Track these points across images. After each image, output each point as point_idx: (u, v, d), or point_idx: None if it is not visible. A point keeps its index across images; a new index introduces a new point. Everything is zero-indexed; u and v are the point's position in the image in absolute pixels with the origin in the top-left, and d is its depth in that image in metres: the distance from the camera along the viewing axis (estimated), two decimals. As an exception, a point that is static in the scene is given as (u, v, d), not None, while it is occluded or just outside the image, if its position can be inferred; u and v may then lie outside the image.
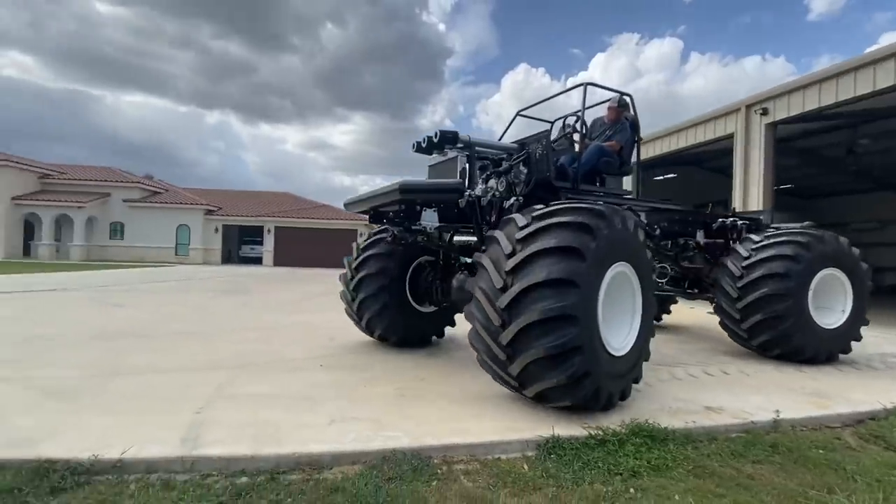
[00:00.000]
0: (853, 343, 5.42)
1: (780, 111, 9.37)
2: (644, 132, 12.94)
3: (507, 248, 3.15)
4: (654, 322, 7.58)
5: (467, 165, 4.30)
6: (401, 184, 3.95)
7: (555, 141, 5.05)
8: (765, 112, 9.58)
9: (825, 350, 5.14)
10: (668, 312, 8.03)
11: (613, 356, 3.27)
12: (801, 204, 21.16)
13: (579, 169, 4.58)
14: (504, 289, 3.06)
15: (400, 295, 5.25)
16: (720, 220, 6.14)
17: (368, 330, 5.45)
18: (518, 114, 5.28)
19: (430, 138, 4.16)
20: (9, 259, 25.78)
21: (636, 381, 3.59)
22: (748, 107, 10.00)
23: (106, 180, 29.68)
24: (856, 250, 5.47)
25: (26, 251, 28.17)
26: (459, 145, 4.29)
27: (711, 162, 16.56)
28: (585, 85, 4.63)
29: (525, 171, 4.18)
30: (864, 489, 2.47)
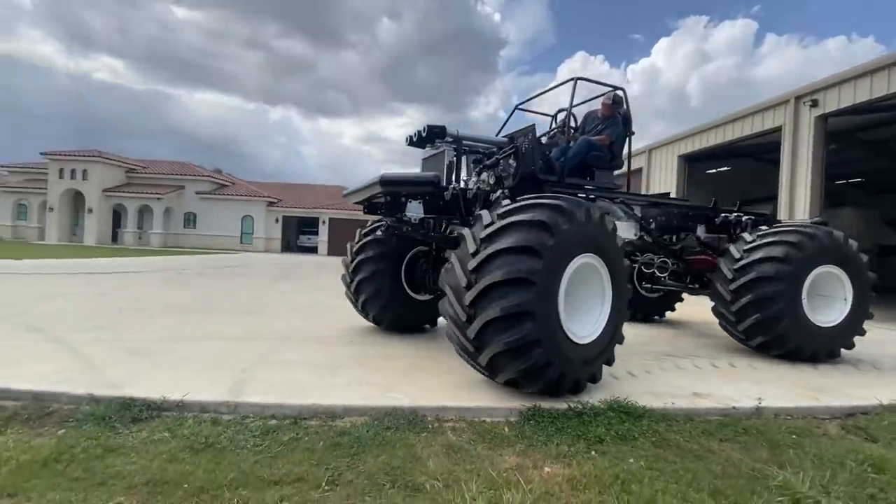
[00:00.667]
0: (861, 339, 5.32)
1: (831, 103, 8.86)
2: (701, 122, 12.51)
3: (472, 248, 3.32)
4: (658, 318, 7.55)
5: (455, 159, 4.55)
6: (381, 176, 4.24)
7: (547, 134, 5.21)
8: (814, 104, 9.08)
9: (825, 348, 5.07)
10: (673, 309, 7.91)
11: (579, 344, 3.45)
12: (869, 199, 19.47)
13: (566, 163, 4.69)
14: (469, 286, 3.22)
15: (395, 281, 5.49)
16: (723, 215, 6.09)
17: (364, 311, 5.69)
18: (517, 108, 5.39)
19: (419, 132, 4.47)
20: (100, 245, 29.05)
21: (608, 363, 3.79)
22: (797, 98, 9.50)
23: (180, 174, 32.51)
24: (853, 244, 5.32)
25: (114, 238, 31.57)
26: (448, 139, 4.52)
27: (772, 153, 15.73)
28: (575, 80, 4.73)
29: (514, 164, 4.36)
30: (816, 467, 2.66)
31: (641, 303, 7.42)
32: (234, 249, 30.34)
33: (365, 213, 5.35)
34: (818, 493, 2.33)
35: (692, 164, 15.25)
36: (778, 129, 10.19)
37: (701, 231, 6.08)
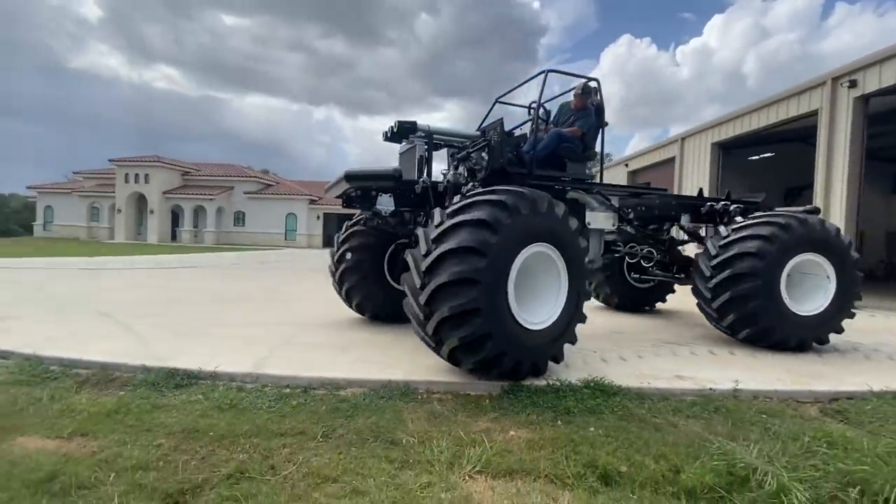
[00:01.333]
0: (868, 326, 5.43)
1: (871, 82, 8.43)
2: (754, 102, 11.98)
3: (423, 248, 3.51)
4: (648, 308, 7.61)
5: (426, 153, 4.77)
6: (346, 171, 4.50)
7: (518, 127, 5.20)
8: (853, 84, 8.66)
9: (797, 336, 5.02)
10: (664, 300, 7.83)
11: (534, 330, 3.65)
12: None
13: (535, 155, 4.74)
14: (422, 287, 3.41)
15: (378, 271, 5.68)
16: (708, 204, 6.01)
17: (347, 299, 5.86)
18: (497, 101, 5.29)
19: (392, 128, 4.73)
20: (161, 243, 31.51)
21: (571, 342, 3.98)
22: (834, 79, 9.07)
23: (230, 175, 34.59)
24: (846, 237, 5.24)
25: (173, 236, 34.10)
26: (420, 134, 4.74)
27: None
28: (546, 72, 4.79)
29: (486, 157, 4.51)
30: (769, 441, 2.86)
31: (631, 293, 7.49)
32: (278, 245, 32.05)
33: (343, 206, 5.54)
34: (759, 461, 2.56)
35: (730, 151, 14.74)
36: (814, 113, 9.78)
37: (685, 220, 6.01)
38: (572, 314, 3.92)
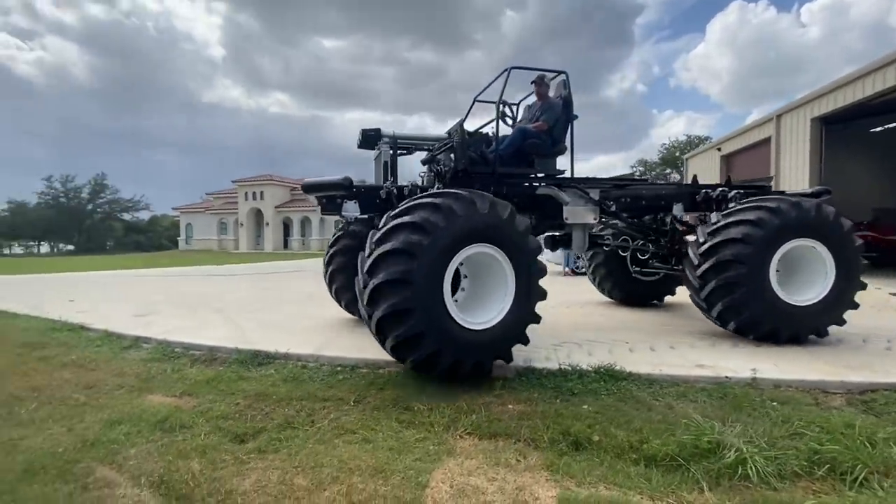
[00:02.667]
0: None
1: None
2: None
3: (367, 250, 3.69)
4: (657, 303, 7.33)
5: (390, 158, 4.95)
6: (302, 184, 4.89)
7: (482, 126, 5.11)
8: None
9: (789, 328, 4.70)
10: (672, 294, 7.32)
11: (476, 330, 3.69)
12: None
13: (498, 153, 4.71)
14: (364, 286, 3.58)
15: None
16: (704, 191, 5.64)
17: (336, 298, 6.06)
18: (475, 100, 5.03)
19: (359, 137, 4.97)
20: (275, 251, 35.78)
21: (522, 342, 3.96)
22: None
23: (329, 188, 38.05)
24: (830, 212, 4.81)
25: (285, 244, 38.47)
26: (385, 140, 4.95)
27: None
28: (509, 69, 4.68)
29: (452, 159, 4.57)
30: (758, 423, 2.95)
31: (635, 286, 7.23)
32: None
33: (322, 212, 5.57)
34: (731, 438, 2.71)
35: (843, 125, 13.03)
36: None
37: (678, 210, 5.64)
38: (520, 315, 3.90)
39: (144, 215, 68.33)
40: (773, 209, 4.67)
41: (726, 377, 3.76)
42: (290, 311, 7.45)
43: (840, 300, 4.83)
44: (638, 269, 7.01)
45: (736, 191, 5.49)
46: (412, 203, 3.75)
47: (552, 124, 5.03)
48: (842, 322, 4.87)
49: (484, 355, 3.77)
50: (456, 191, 3.86)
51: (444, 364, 3.59)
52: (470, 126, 4.97)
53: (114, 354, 5.04)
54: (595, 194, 5.23)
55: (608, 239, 6.12)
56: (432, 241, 3.51)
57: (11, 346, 5.46)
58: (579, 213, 5.12)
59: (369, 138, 5.05)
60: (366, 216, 5.08)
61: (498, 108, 4.80)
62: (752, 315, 4.65)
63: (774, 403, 3.33)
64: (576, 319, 6.30)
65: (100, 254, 48.34)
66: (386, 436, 2.95)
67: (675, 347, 4.71)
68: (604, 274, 7.29)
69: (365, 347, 4.82)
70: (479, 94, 4.93)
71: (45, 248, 65.17)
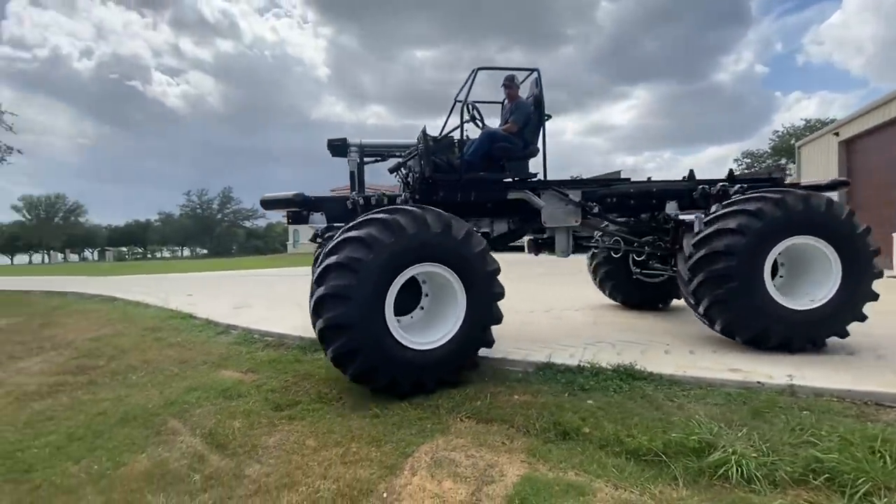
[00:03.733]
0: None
1: None
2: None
3: (319, 261, 3.73)
4: (661, 306, 6.81)
5: (357, 168, 4.96)
6: (261, 199, 4.91)
7: (450, 132, 4.89)
8: None
9: (802, 334, 4.29)
10: (679, 297, 6.28)
11: (419, 350, 3.62)
12: None
13: (464, 159, 4.60)
14: (312, 295, 3.61)
15: None
16: (701, 187, 5.14)
17: None
18: (456, 102, 4.75)
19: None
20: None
21: (470, 367, 3.93)
22: None
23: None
24: (841, 210, 4.37)
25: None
26: (353, 150, 4.87)
27: None
28: (475, 70, 4.56)
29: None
30: (766, 429, 2.80)
31: (637, 289, 6.76)
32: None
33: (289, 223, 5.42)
34: (725, 440, 2.64)
35: None
36: None
37: (672, 208, 5.16)
38: (470, 337, 3.81)
39: (262, 223, 77.34)
40: (776, 201, 4.28)
41: (758, 382, 3.53)
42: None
43: (844, 309, 4.32)
44: (638, 269, 6.63)
45: (739, 185, 4.99)
46: (364, 218, 3.71)
47: (522, 125, 4.84)
48: (843, 334, 4.37)
49: (426, 376, 3.64)
50: (412, 208, 3.81)
51: (380, 381, 3.54)
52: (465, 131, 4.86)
53: (208, 338, 6.07)
54: (576, 196, 5.04)
55: (602, 240, 5.85)
56: (375, 258, 3.47)
57: (138, 330, 6.82)
58: (559, 216, 4.97)
59: (336, 148, 4.97)
60: (340, 225, 4.73)
61: (462, 111, 4.65)
62: (739, 314, 4.30)
63: (805, 412, 3.08)
64: (619, 321, 6.12)
65: (226, 257, 55.87)
66: (394, 413, 3.32)
67: (716, 351, 4.45)
68: (604, 274, 7.00)
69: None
70: (458, 94, 4.76)
71: (186, 252, 76.93)
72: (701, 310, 4.53)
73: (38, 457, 2.92)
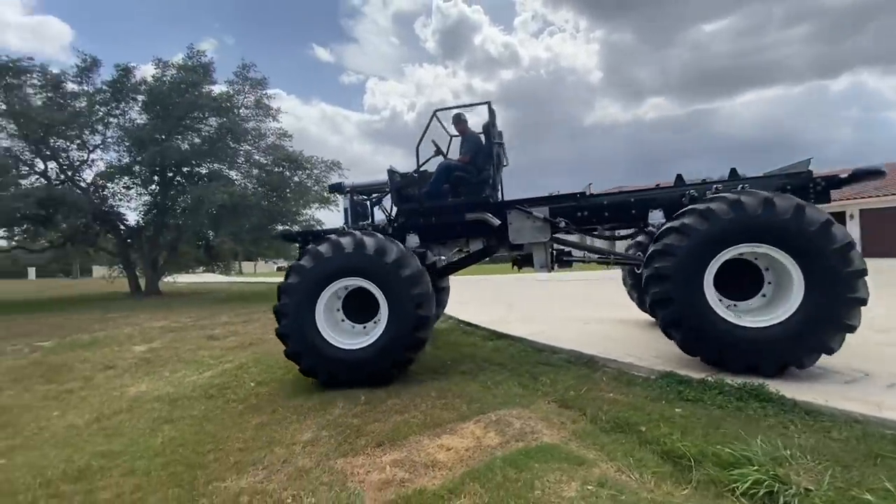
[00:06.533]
0: None
1: None
2: None
3: None
4: None
5: (348, 205, 5.85)
6: (279, 232, 6.00)
7: (415, 169, 5.49)
8: None
9: (746, 355, 3.86)
10: None
11: (345, 349, 4.38)
12: None
13: (428, 191, 5.39)
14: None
15: None
16: (690, 192, 4.74)
17: None
18: (435, 114, 5.51)
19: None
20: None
21: (399, 359, 4.38)
22: None
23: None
24: (813, 217, 3.72)
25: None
26: (346, 190, 5.83)
27: None
28: (435, 112, 5.37)
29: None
30: (831, 463, 2.37)
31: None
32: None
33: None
34: (769, 464, 2.45)
35: None
36: None
37: (657, 217, 4.84)
38: (393, 339, 4.35)
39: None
40: (732, 202, 3.95)
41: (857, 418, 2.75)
42: (558, 308, 8.93)
43: (817, 323, 3.72)
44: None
45: (741, 185, 4.50)
46: (304, 250, 4.71)
47: (473, 155, 5.46)
48: (800, 363, 3.78)
49: (358, 371, 4.38)
50: (332, 237, 4.63)
51: (321, 376, 4.44)
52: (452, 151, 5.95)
53: (450, 330, 8.04)
54: (542, 212, 5.16)
55: (586, 254, 5.73)
56: (301, 281, 4.48)
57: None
58: (525, 233, 5.21)
59: (335, 188, 6.25)
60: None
61: (417, 151, 5.37)
62: (675, 317, 4.07)
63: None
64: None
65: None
66: (505, 389, 4.17)
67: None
68: (630, 287, 7.18)
69: (584, 344, 5.87)
70: (439, 109, 5.56)
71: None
72: (652, 310, 4.45)
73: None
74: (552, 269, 5.41)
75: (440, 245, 5.65)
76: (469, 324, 7.59)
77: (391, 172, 5.54)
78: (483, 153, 5.44)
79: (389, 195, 5.67)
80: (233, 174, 18.65)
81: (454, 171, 5.44)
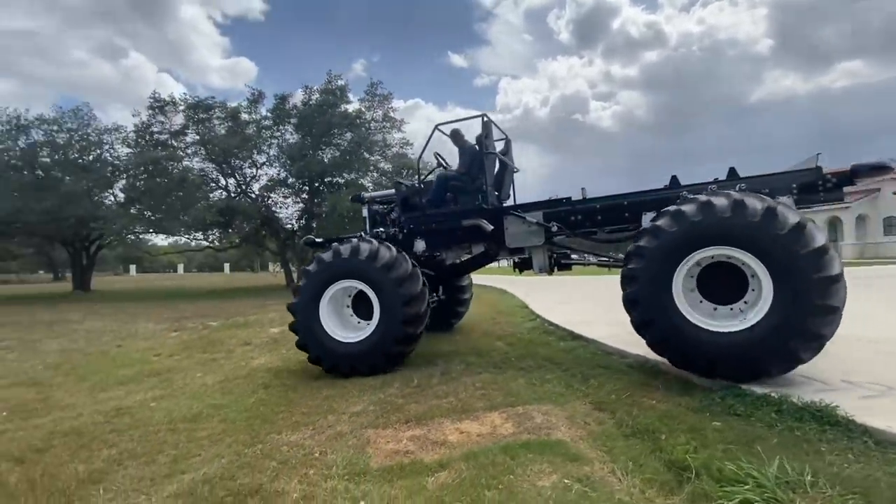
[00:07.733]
0: None
1: None
2: None
3: None
4: None
5: (367, 214, 6.40)
6: (304, 240, 6.85)
7: (423, 177, 6.19)
8: None
9: (697, 359, 3.84)
10: None
11: (344, 342, 4.94)
12: None
13: (428, 200, 5.82)
14: None
15: None
16: (684, 194, 4.24)
17: None
18: (436, 128, 5.91)
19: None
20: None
21: (389, 352, 4.89)
22: None
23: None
24: (785, 218, 3.51)
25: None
26: (366, 200, 6.39)
27: None
28: (436, 126, 5.73)
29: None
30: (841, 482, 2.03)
31: None
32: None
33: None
34: (771, 482, 2.24)
35: None
36: None
37: (649, 220, 4.34)
38: (385, 333, 4.82)
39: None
40: (702, 204, 3.82)
41: None
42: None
43: (782, 330, 3.44)
44: None
45: (738, 185, 4.28)
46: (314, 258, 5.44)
47: (468, 166, 5.74)
48: (798, 360, 3.52)
49: (357, 362, 4.87)
50: (337, 245, 5.20)
51: (325, 366, 5.00)
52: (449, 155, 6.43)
53: (533, 329, 8.24)
54: (535, 217, 5.29)
55: (584, 257, 5.95)
56: (307, 283, 5.13)
57: (493, 313, 9.88)
58: (520, 237, 5.39)
59: (357, 199, 6.94)
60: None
61: (418, 163, 6.08)
62: (644, 318, 4.07)
63: None
64: None
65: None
66: (549, 387, 4.24)
67: None
68: None
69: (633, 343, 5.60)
70: (440, 125, 5.95)
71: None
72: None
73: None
74: (551, 272, 5.51)
75: (446, 249, 6.10)
76: (552, 324, 7.57)
77: (398, 184, 6.23)
78: (477, 163, 5.73)
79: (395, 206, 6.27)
80: (366, 182, 20.99)
81: (450, 180, 5.88)
